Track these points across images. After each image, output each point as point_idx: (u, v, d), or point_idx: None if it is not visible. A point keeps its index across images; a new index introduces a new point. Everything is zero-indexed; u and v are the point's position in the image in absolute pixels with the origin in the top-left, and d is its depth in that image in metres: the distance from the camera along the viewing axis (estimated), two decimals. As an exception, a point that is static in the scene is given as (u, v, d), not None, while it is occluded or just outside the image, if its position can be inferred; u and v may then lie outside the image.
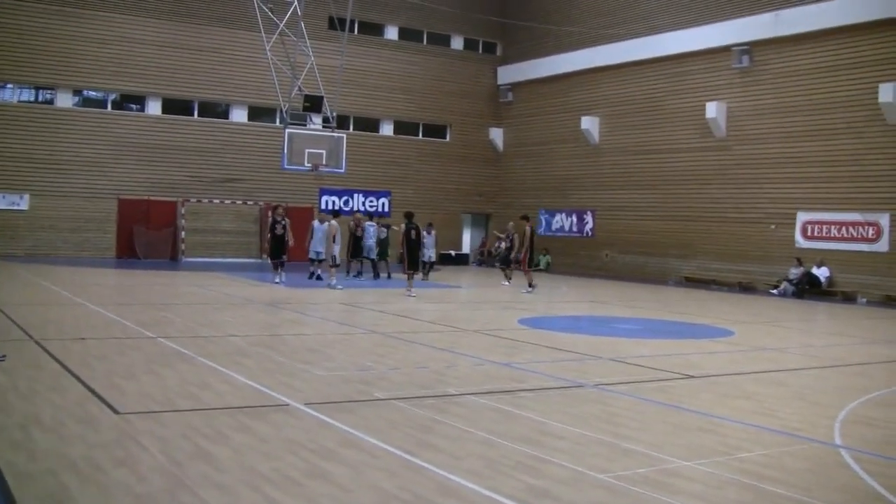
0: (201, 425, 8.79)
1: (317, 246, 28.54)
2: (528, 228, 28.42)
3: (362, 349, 14.72)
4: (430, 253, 32.62)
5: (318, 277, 28.64)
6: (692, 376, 13.04)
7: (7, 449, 7.71)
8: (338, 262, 27.96)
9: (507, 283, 31.73)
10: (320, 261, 28.76)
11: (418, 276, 28.51)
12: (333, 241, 27.61)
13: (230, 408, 9.70)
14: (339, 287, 26.63)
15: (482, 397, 10.74)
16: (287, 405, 9.92)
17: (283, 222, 27.54)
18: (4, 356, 12.18)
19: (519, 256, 29.48)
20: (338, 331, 17.31)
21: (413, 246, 26.49)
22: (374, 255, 31.41)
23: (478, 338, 16.84)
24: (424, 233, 31.27)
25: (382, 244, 31.82)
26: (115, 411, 9.30)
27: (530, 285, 28.16)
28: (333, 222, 28.07)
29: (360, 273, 31.59)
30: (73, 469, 7.19)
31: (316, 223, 28.89)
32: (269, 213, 29.71)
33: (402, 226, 27.03)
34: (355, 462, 7.67)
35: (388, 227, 32.47)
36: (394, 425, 9.10)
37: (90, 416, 9.08)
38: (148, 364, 12.24)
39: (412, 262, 26.41)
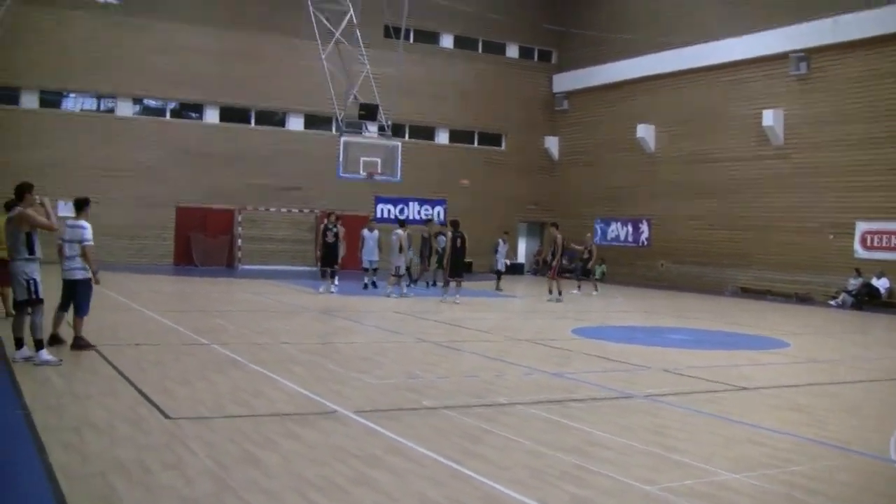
0: (250, 431, 8.88)
1: (370, 255, 28.65)
2: (558, 236, 28.33)
3: (413, 358, 14.76)
4: (502, 261, 32.90)
5: (374, 285, 28.72)
6: (744, 388, 12.93)
7: (60, 450, 7.87)
8: (401, 272, 27.70)
9: (577, 291, 32.15)
10: (374, 269, 28.85)
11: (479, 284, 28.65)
12: (400, 251, 27.48)
13: (280, 414, 9.79)
14: (394, 296, 26.71)
15: (531, 407, 10.73)
16: (335, 412, 9.99)
17: (335, 230, 27.44)
18: (61, 360, 12.38)
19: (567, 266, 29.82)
20: (389, 339, 17.37)
21: (458, 254, 26.53)
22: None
23: (529, 347, 16.82)
24: (500, 241, 33.11)
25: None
26: (166, 416, 9.43)
27: (560, 293, 28.15)
28: (401, 231, 27.93)
29: (434, 283, 31.75)
30: (122, 471, 7.32)
31: (366, 231, 28.95)
32: (323, 220, 29.82)
33: (449, 234, 27.15)
34: (401, 470, 7.71)
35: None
36: (441, 433, 9.13)
37: (141, 419, 9.22)
38: (201, 370, 12.38)
39: (455, 270, 26.54)
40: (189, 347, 14.57)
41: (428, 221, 35.57)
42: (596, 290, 32.16)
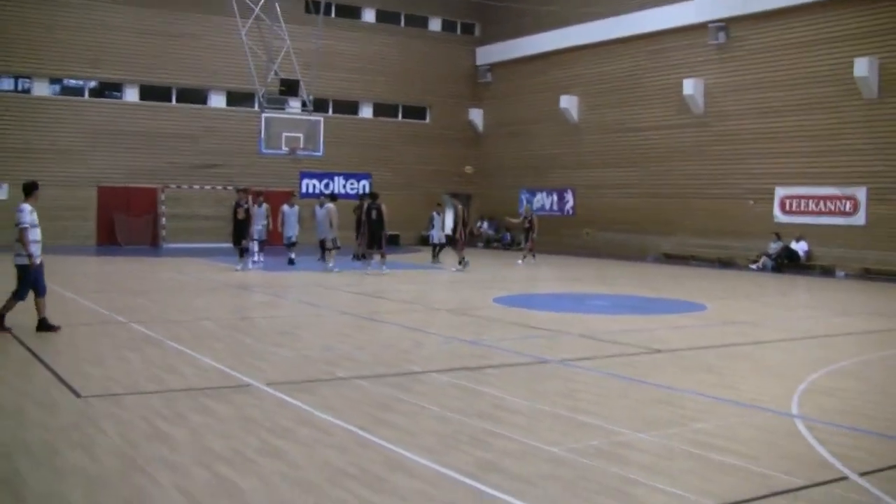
0: (162, 407, 8.87)
1: (289, 231, 28.52)
2: (459, 207, 28.43)
3: (331, 330, 14.82)
4: (437, 234, 32.97)
5: (291, 262, 28.47)
6: (659, 351, 13.15)
7: (-35, 434, 7.80)
8: (338, 244, 27.58)
9: (520, 262, 32.64)
10: (293, 244, 28.68)
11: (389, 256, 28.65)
12: (331, 225, 27.36)
13: (193, 389, 9.78)
14: (337, 270, 26.72)
15: (445, 375, 10.84)
16: (249, 386, 10.01)
17: (245, 206, 26.71)
18: None
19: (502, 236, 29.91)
20: (310, 312, 17.38)
21: (374, 226, 26.67)
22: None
23: (450, 317, 16.94)
24: (434, 214, 32.98)
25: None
26: (78, 395, 9.38)
27: (461, 262, 28.34)
28: (331, 205, 27.80)
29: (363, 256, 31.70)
30: (28, 453, 7.27)
31: (285, 207, 28.79)
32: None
33: (365, 205, 27.44)
34: (309, 440, 7.77)
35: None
36: (352, 403, 9.20)
37: (52, 400, 9.16)
38: (116, 349, 12.31)
39: (371, 242, 26.78)
40: (106, 327, 14.46)
41: (361, 197, 35.35)
42: (522, 259, 32.73)
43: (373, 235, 26.75)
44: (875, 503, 6.44)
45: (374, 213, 26.69)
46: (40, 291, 13.75)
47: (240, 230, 26.62)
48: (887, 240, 29.53)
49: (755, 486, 6.70)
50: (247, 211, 26.61)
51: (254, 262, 27.90)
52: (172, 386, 9.95)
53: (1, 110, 37.17)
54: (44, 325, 13.63)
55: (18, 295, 13.63)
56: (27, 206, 13.54)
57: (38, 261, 13.64)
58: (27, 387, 9.81)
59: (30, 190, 13.87)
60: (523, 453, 7.46)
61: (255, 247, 28.52)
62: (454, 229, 28.63)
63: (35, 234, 13.55)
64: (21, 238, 13.41)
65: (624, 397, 9.87)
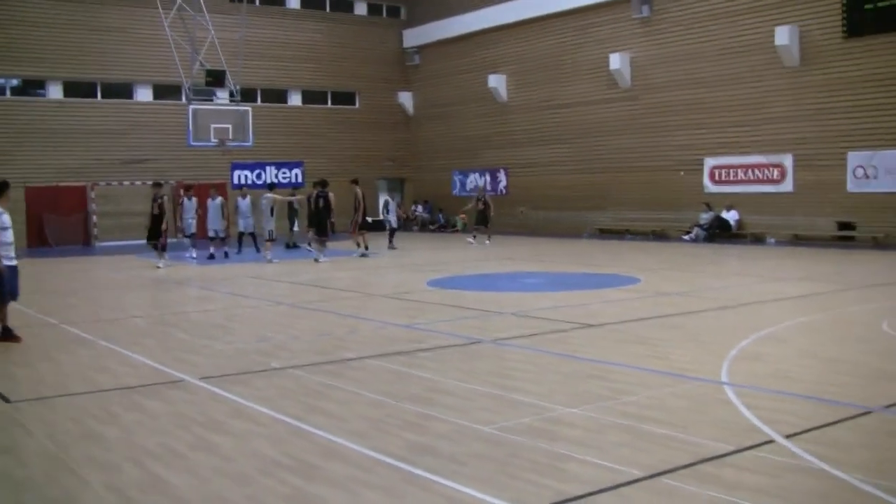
0: (93, 407, 8.80)
1: (213, 223, 28.29)
2: (358, 191, 28.34)
3: (266, 321, 14.77)
4: (393, 219, 32.91)
5: (213, 257, 28.21)
6: (591, 325, 13.28)
7: None
8: (274, 236, 27.56)
9: (472, 240, 33.14)
10: (221, 238, 28.46)
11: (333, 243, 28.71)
12: (271, 215, 27.40)
13: (125, 388, 9.70)
14: (275, 261, 26.70)
15: (378, 360, 10.86)
16: (182, 381, 9.95)
17: (159, 201, 25.80)
18: None
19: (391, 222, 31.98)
20: (244, 304, 17.26)
21: (320, 214, 26.84)
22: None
23: (384, 302, 16.95)
24: (388, 199, 33.63)
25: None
26: (6, 400, 9.25)
27: (366, 248, 28.41)
28: (270, 195, 27.78)
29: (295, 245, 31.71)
30: (-45, 460, 7.17)
31: (209, 200, 28.54)
32: (181, 192, 29.35)
33: (313, 193, 27.48)
34: (242, 432, 7.76)
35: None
36: (285, 393, 9.19)
37: (-21, 406, 9.04)
38: (45, 351, 12.16)
39: (319, 229, 26.95)
40: (36, 329, 14.25)
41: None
42: (474, 238, 33.25)
43: (319, 223, 26.92)
44: (799, 464, 6.56)
45: (321, 202, 26.87)
46: (10, 296, 12.88)
47: (154, 226, 25.77)
48: (815, 205, 30.04)
49: (684, 455, 6.80)
50: (160, 206, 25.70)
51: (190, 256, 27.71)
52: (104, 385, 9.86)
53: (-80, 113, 36.46)
54: (6, 335, 12.84)
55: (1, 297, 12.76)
56: None
57: (11, 263, 12.74)
58: (-46, 393, 9.68)
59: (1, 190, 12.91)
60: (456, 434, 7.51)
61: (187, 241, 28.30)
62: (355, 214, 28.46)
63: (7, 236, 12.66)
64: None
65: (556, 373, 9.96)
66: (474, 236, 33.56)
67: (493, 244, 32.63)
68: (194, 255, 28.19)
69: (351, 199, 28.32)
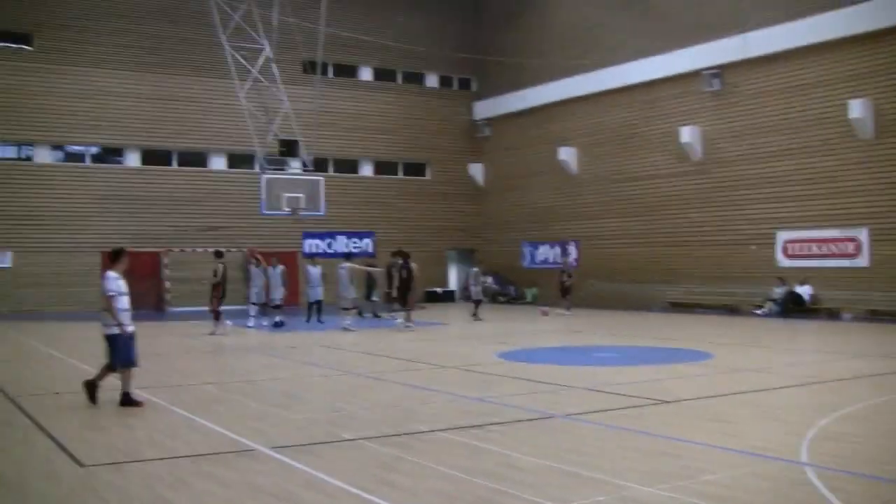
0: (164, 474, 8.80)
1: (275, 291, 28.54)
2: (412, 265, 28.61)
3: (336, 391, 14.74)
4: (476, 290, 33.29)
5: (280, 324, 28.39)
6: (665, 401, 13.05)
7: (-33, 509, 7.74)
8: (354, 304, 28.22)
9: (567, 311, 34.11)
10: (277, 306, 28.60)
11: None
12: (350, 283, 28.01)
13: (196, 455, 9.70)
14: (353, 329, 27.17)
15: (451, 433, 10.75)
16: (253, 450, 9.92)
17: (217, 268, 26.67)
18: None
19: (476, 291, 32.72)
20: (314, 373, 17.31)
21: (405, 284, 27.80)
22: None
23: (455, 373, 16.85)
24: (473, 270, 34.28)
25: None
26: (80, 464, 9.31)
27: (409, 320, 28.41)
28: (348, 264, 28.38)
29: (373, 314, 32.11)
30: (30, 525, 7.20)
31: (271, 268, 28.71)
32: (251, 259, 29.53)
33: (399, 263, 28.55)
34: (313, 504, 7.69)
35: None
36: (357, 465, 9.11)
37: (54, 470, 9.09)
38: (119, 416, 12.25)
39: (402, 298, 28.04)
40: (110, 394, 14.29)
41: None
42: (568, 310, 34.23)
43: (402, 293, 27.81)
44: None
45: (404, 272, 27.78)
46: (129, 362, 13.19)
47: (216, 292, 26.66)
48: (892, 280, 29.47)
49: (766, 539, 6.61)
50: (215, 273, 26.53)
51: (258, 325, 27.94)
52: (175, 452, 9.87)
53: (4, 178, 37.40)
54: (127, 400, 13.02)
55: (112, 366, 13.15)
56: (112, 274, 13.11)
57: (129, 329, 13.13)
58: (29, 456, 9.75)
59: (116, 257, 13.48)
60: (530, 511, 7.37)
61: (252, 310, 28.58)
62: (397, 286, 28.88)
63: (123, 303, 13.08)
64: (108, 307, 12.96)
65: (631, 450, 9.77)
66: (568, 308, 34.33)
67: (563, 317, 32.46)
68: (251, 323, 28.37)
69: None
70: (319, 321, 29.40)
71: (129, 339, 13.14)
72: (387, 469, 8.90)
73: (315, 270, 29.45)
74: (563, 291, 34.69)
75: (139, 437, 10.74)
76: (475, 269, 34.03)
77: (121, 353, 13.05)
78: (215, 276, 26.46)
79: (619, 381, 15.27)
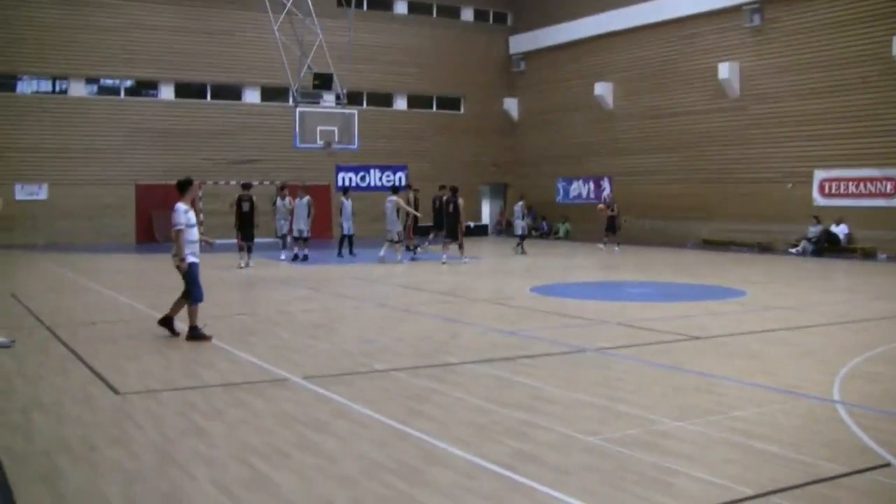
0: (199, 402, 8.91)
1: (299, 223, 28.28)
2: (460, 200, 28.27)
3: (368, 323, 14.80)
4: (521, 224, 33.41)
5: (304, 258, 28.39)
6: (697, 338, 13.04)
7: (6, 432, 7.87)
8: (401, 237, 28.29)
9: (602, 246, 34.24)
10: (304, 239, 28.43)
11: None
12: (397, 217, 27.84)
13: (229, 384, 9.81)
14: (405, 261, 27.79)
15: (482, 365, 10.79)
16: (286, 380, 10.01)
17: (250, 199, 26.33)
18: (13, 341, 12.29)
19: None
20: (347, 305, 17.37)
21: (452, 218, 27.74)
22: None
23: (487, 307, 16.89)
24: (517, 206, 33.70)
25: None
26: (116, 392, 9.44)
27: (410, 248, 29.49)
28: (394, 198, 28.03)
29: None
30: (68, 449, 7.31)
31: (297, 200, 28.40)
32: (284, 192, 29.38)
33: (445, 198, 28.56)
34: (346, 433, 7.76)
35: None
36: (389, 395, 9.18)
37: (90, 397, 9.21)
38: (154, 345, 12.38)
39: (449, 232, 27.96)
40: (144, 324, 14.50)
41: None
42: (617, 246, 34.15)
43: (450, 227, 27.74)
44: (919, 489, 6.33)
45: (450, 206, 27.65)
46: (199, 298, 13.03)
47: (243, 224, 26.46)
48: (929, 220, 29.19)
49: (796, 474, 6.61)
50: (252, 204, 26.25)
51: (282, 257, 28.05)
52: (209, 381, 9.99)
53: (39, 111, 37.57)
54: (195, 334, 12.80)
55: (189, 295, 12.97)
56: (181, 206, 12.96)
57: (192, 261, 12.97)
58: (66, 384, 9.87)
59: (183, 188, 13.26)
60: (560, 444, 7.40)
61: (281, 241, 28.70)
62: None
63: (191, 235, 12.95)
64: (175, 239, 12.87)
65: (662, 385, 9.78)
66: (605, 243, 34.26)
67: (596, 253, 32.53)
68: (283, 255, 28.48)
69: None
70: (352, 254, 29.48)
71: (194, 269, 13.00)
72: (419, 400, 8.96)
73: (347, 203, 29.43)
74: (612, 228, 34.57)
75: (174, 367, 10.86)
76: (520, 204, 33.85)
77: (197, 287, 12.91)
78: (231, 207, 26.37)
79: (651, 317, 15.25)
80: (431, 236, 31.61)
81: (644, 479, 6.47)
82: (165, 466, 6.84)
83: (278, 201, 28.67)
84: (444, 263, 26.71)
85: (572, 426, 7.91)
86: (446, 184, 30.21)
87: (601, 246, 34.35)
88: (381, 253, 27.48)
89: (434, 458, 7.00)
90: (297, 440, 7.54)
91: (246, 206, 26.19)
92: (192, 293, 12.91)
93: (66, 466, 6.85)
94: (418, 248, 31.07)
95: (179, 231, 12.79)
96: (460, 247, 27.83)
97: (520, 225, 33.29)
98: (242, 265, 25.72)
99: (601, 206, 35.36)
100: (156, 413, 8.51)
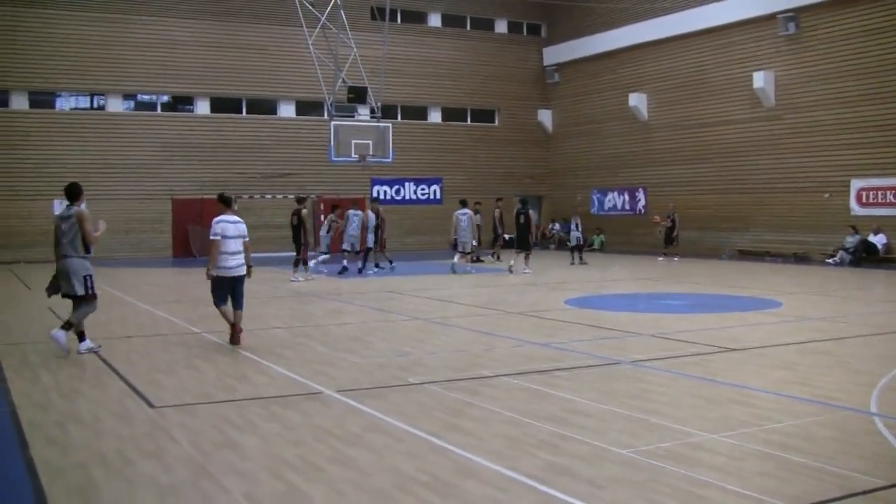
0: (233, 416, 8.95)
1: (350, 238, 28.27)
2: (531, 212, 29.37)
3: (402, 336, 14.81)
4: (575, 235, 33.68)
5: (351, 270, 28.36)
6: (733, 349, 12.97)
7: (42, 445, 7.97)
8: (471, 249, 29.28)
9: (662, 258, 34.30)
10: (357, 252, 28.48)
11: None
12: (469, 229, 28.73)
13: (263, 398, 9.85)
14: (473, 271, 28.65)
15: (516, 378, 10.78)
16: (320, 393, 10.05)
17: (301, 213, 26.07)
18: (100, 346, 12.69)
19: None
20: (379, 318, 17.39)
21: (523, 230, 28.57)
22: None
23: (521, 320, 16.87)
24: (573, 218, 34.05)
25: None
26: (151, 405, 9.51)
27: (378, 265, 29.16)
28: (469, 211, 28.82)
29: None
30: (103, 462, 7.38)
31: (350, 213, 28.49)
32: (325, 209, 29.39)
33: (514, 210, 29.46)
34: (379, 446, 7.77)
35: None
36: (423, 409, 9.19)
37: (126, 411, 9.29)
38: (189, 359, 12.46)
39: (521, 244, 28.78)
40: (180, 337, 14.63)
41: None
42: (676, 257, 34.52)
43: (521, 239, 28.53)
44: (957, 502, 6.26)
45: (521, 218, 28.43)
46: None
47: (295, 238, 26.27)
48: (969, 230, 28.90)
49: (832, 488, 6.56)
50: (300, 219, 25.98)
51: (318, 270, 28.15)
52: (243, 395, 10.04)
53: (78, 127, 37.97)
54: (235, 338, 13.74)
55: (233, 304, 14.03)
56: (220, 218, 14.06)
57: (216, 273, 14.00)
58: (102, 398, 9.97)
59: (227, 202, 14.37)
60: (594, 456, 7.39)
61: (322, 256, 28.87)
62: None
63: (226, 246, 13.98)
64: (208, 251, 14.19)
65: (697, 397, 9.73)
66: (665, 254, 34.45)
67: (631, 264, 32.48)
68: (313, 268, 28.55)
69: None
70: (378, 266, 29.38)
71: (226, 281, 13.97)
72: (452, 413, 8.96)
73: (371, 216, 29.05)
74: (670, 240, 34.82)
75: (209, 381, 10.92)
76: (576, 216, 34.00)
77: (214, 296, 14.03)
78: (293, 221, 26.30)
79: (686, 329, 15.18)
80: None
81: (677, 491, 6.45)
82: (199, 480, 6.89)
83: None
84: (526, 272, 27.87)
85: (605, 439, 7.90)
86: (476, 197, 30.51)
87: (660, 258, 34.38)
88: (468, 267, 29.02)
89: (467, 472, 7.01)
90: (330, 454, 7.56)
91: (294, 220, 26.16)
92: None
93: (101, 479, 6.92)
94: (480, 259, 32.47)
95: (213, 241, 13.90)
96: (526, 258, 28.56)
97: (575, 236, 33.43)
98: (297, 280, 25.80)
99: (656, 217, 35.17)
100: (190, 426, 8.56)
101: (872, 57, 31.64)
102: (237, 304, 13.91)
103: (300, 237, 25.83)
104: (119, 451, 7.71)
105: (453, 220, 28.78)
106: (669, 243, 34.43)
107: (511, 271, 27.93)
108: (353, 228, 28.16)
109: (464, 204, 29.20)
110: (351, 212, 28.35)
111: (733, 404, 9.36)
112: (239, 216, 14.14)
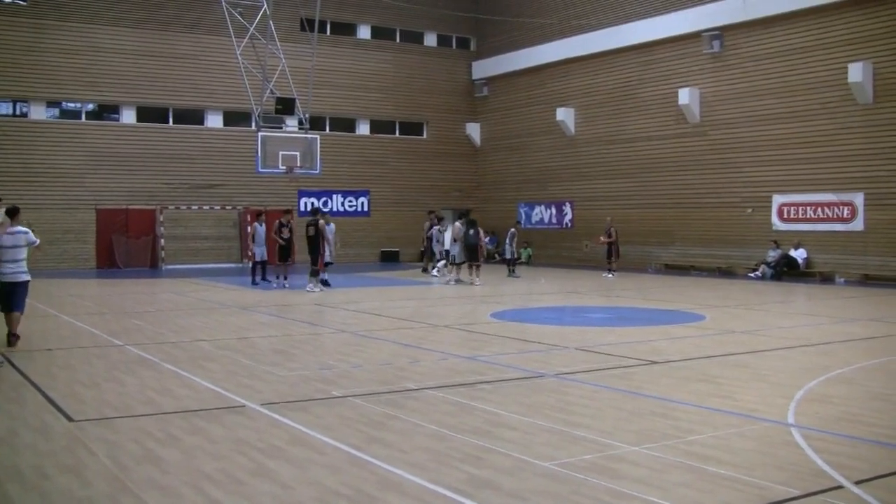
0: (154, 429, 8.84)
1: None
2: (480, 229, 30.87)
3: (328, 349, 14.77)
4: (510, 249, 34.93)
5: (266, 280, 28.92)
6: (656, 362, 13.11)
7: (-44, 461, 7.77)
8: (458, 260, 30.06)
9: (610, 275, 33.29)
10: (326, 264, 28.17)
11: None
12: (455, 242, 29.89)
13: (186, 411, 9.75)
14: (454, 282, 29.57)
15: (441, 391, 10.79)
16: (244, 406, 9.97)
17: (289, 226, 27.72)
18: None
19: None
20: (307, 331, 17.32)
21: (471, 241, 29.90)
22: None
23: (447, 333, 16.90)
24: (511, 231, 35.06)
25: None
26: (70, 419, 9.36)
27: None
28: (458, 224, 29.84)
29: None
30: (19, 477, 7.25)
31: (256, 225, 28.82)
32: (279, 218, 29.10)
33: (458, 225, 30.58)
34: (301, 460, 7.73)
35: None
36: (346, 422, 9.16)
37: (44, 425, 9.13)
38: (111, 371, 12.29)
39: (470, 255, 30.03)
40: (102, 350, 14.42)
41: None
42: (611, 273, 33.64)
43: (470, 251, 29.84)
44: (870, 512, 6.39)
45: (471, 232, 29.65)
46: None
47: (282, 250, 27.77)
48: (886, 245, 29.53)
49: (750, 498, 6.65)
50: (291, 230, 27.87)
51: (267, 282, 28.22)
52: (166, 408, 9.92)
53: (-1, 134, 37.31)
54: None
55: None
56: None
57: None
58: (20, 411, 9.80)
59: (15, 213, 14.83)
60: (516, 469, 7.42)
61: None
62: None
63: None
64: None
65: (619, 410, 9.82)
66: (610, 269, 33.59)
67: (558, 277, 32.60)
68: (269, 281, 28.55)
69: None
70: (265, 280, 29.16)
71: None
72: (376, 426, 8.95)
73: (261, 229, 28.81)
74: (611, 253, 33.78)
75: (130, 394, 10.77)
76: (513, 230, 34.37)
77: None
78: (307, 232, 26.65)
79: (610, 342, 15.32)
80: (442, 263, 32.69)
81: (599, 503, 6.49)
82: (118, 494, 6.78)
83: (257, 227, 28.67)
84: (477, 283, 28.98)
85: (529, 451, 7.93)
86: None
87: (608, 275, 33.16)
88: (435, 273, 31.42)
89: (390, 485, 6.99)
90: (252, 467, 7.50)
91: (310, 231, 26.60)
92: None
93: (16, 495, 6.79)
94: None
95: None
96: (477, 268, 29.79)
97: (508, 250, 34.33)
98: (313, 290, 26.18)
99: (601, 238, 34.31)
100: (111, 440, 8.44)
101: (794, 75, 32.22)
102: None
103: (317, 248, 26.28)
104: (35, 466, 7.57)
105: (453, 231, 30.17)
106: (611, 257, 33.91)
107: (474, 284, 28.90)
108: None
109: (462, 216, 30.57)
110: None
111: (656, 416, 9.46)
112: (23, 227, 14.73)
